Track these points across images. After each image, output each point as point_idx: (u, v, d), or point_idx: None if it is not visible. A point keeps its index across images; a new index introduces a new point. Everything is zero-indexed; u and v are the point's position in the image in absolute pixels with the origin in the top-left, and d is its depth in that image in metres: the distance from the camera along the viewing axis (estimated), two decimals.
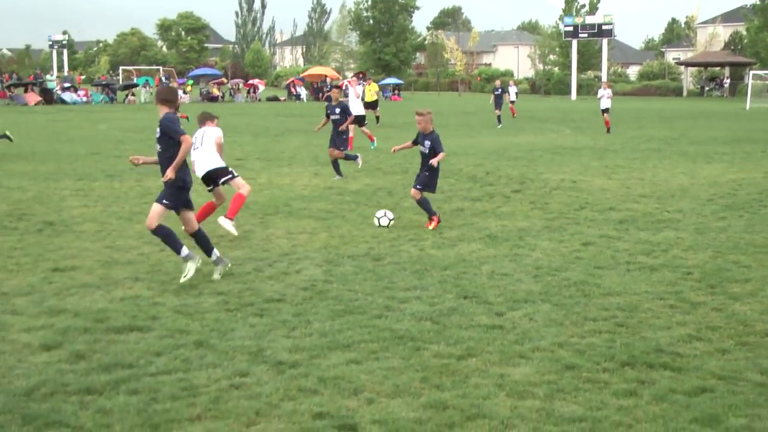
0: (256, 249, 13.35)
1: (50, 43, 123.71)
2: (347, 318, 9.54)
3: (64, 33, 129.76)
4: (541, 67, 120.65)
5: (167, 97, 11.58)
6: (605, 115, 41.38)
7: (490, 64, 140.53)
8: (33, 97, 69.15)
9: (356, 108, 30.99)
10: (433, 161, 15.18)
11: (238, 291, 10.74)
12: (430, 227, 15.04)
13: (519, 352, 8.41)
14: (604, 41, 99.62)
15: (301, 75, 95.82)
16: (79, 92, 76.19)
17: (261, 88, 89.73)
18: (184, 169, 11.23)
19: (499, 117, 45.88)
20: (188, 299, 10.34)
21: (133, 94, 76.35)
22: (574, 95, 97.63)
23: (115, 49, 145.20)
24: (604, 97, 42.09)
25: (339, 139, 22.01)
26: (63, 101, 71.46)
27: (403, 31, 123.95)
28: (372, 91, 46.42)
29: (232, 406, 7.00)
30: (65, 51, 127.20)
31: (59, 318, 9.52)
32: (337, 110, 22.40)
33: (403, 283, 11.21)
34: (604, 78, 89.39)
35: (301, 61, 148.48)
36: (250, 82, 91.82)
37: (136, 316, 9.61)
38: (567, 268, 12.13)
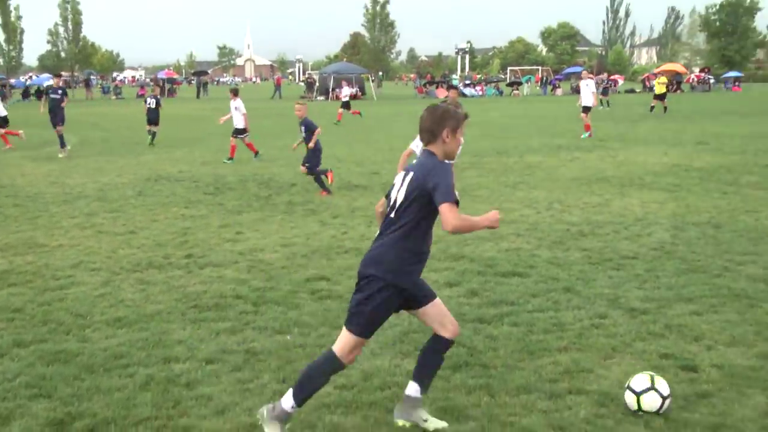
0: (615, 215, 13.00)
1: (456, 50, 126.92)
2: (690, 275, 9.08)
3: (468, 42, 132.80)
4: None
5: None
6: None
7: None
8: (442, 92, 71.26)
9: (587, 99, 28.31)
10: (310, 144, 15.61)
11: (600, 248, 10.52)
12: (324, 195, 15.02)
13: None
14: None
15: (655, 71, 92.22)
16: (476, 87, 77.69)
17: (620, 82, 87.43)
18: None
19: None
20: (559, 253, 10.26)
21: (517, 89, 76.77)
22: None
23: (506, 53, 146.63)
24: None
25: None
26: (464, 95, 73.14)
27: (745, 30, 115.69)
28: (660, 82, 43.76)
29: (592, 341, 6.89)
30: (467, 56, 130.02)
31: (459, 263, 9.78)
32: None
33: (740, 248, 10.48)
34: None
35: (654, 59, 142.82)
36: (612, 77, 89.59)
37: (518, 264, 9.68)
38: None
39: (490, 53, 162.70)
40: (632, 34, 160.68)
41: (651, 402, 5.38)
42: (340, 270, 9.51)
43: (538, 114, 42.24)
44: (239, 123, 21.67)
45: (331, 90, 65.26)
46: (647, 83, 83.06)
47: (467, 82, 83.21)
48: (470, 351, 6.66)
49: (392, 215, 5.04)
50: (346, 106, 39.87)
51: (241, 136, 21.69)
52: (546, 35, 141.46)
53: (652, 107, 41.74)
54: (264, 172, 18.84)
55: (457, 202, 4.77)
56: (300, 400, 5.06)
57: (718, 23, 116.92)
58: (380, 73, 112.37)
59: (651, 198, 14.57)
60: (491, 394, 5.79)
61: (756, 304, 7.97)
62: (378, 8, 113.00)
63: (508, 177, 17.59)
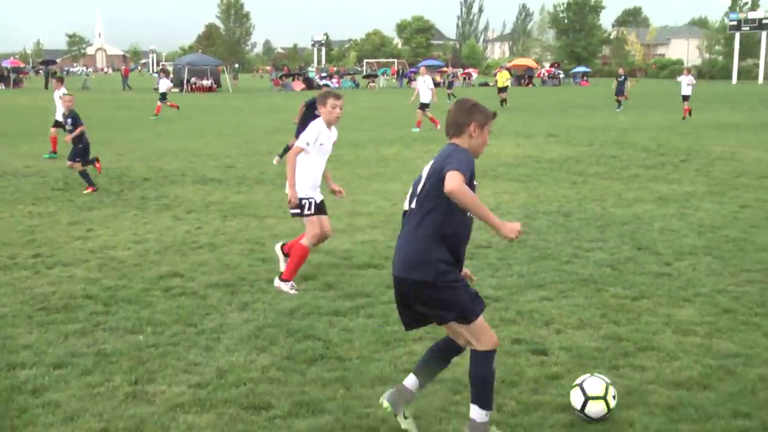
0: None
1: (312, 42, 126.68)
2: (541, 263, 9.37)
3: (324, 34, 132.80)
4: (707, 56, 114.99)
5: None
6: (686, 102, 34.03)
7: (663, 55, 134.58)
8: (298, 85, 71.07)
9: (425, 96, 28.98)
10: (67, 138, 15.33)
11: None
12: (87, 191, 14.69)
13: (683, 297, 8.04)
14: (764, 33, 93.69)
15: (507, 65, 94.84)
16: (332, 79, 77.81)
17: (474, 75, 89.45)
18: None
19: (618, 102, 39.66)
20: None
21: (373, 82, 77.32)
22: (734, 80, 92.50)
23: (362, 45, 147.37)
24: (685, 84, 34.77)
25: None
26: (320, 87, 73.03)
27: (591, 28, 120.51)
28: (503, 78, 44.84)
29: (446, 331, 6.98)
30: (323, 48, 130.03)
31: (315, 256, 9.73)
32: None
33: (588, 235, 10.91)
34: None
35: (507, 54, 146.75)
36: (467, 70, 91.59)
37: (373, 256, 9.74)
38: (726, 227, 11.50)
39: (347, 45, 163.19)
40: (485, 29, 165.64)
41: (596, 410, 5.25)
42: (194, 266, 9.33)
43: (394, 106, 42.68)
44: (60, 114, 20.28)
45: (185, 81, 64.06)
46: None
47: (323, 74, 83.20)
48: (326, 344, 6.65)
49: (413, 205, 4.90)
50: (163, 98, 36.98)
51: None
52: (401, 28, 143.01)
53: (502, 101, 42.72)
54: (116, 166, 18.28)
55: (469, 179, 4.62)
56: (490, 403, 5.00)
57: (566, 20, 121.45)
58: (236, 65, 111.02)
59: (504, 188, 14.96)
60: (347, 387, 5.79)
61: (602, 288, 8.30)
62: None
63: (364, 169, 17.70)
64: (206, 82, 66.15)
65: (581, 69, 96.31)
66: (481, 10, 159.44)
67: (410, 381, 5.19)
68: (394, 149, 21.63)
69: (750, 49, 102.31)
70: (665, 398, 5.59)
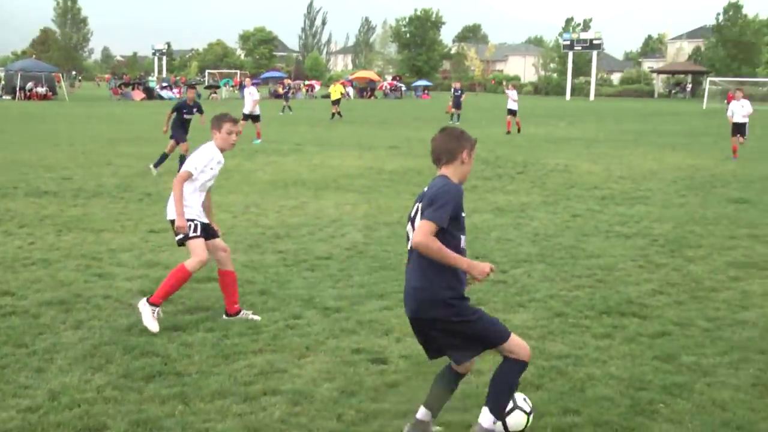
0: (310, 217, 13.32)
1: (153, 51, 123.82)
2: (382, 273, 9.51)
3: (166, 43, 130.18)
4: (542, 73, 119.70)
5: None
6: (511, 116, 34.12)
7: (502, 71, 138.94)
8: (138, 94, 69.38)
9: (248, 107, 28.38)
10: None
11: (295, 250, 10.72)
12: None
13: (519, 302, 8.35)
14: (594, 53, 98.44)
15: (350, 77, 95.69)
16: (173, 90, 76.35)
17: (317, 87, 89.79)
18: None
19: (452, 115, 39.79)
20: (254, 256, 10.33)
21: (215, 92, 76.33)
22: (568, 96, 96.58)
23: (204, 56, 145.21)
24: (510, 99, 34.42)
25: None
26: (161, 97, 71.68)
27: (432, 43, 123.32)
28: (337, 90, 45.48)
29: (287, 342, 6.99)
30: (165, 57, 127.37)
31: (154, 270, 9.55)
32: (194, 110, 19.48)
33: None
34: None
35: (350, 66, 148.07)
36: (309, 82, 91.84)
37: (213, 269, 9.55)
38: (559, 235, 12.02)
39: (188, 55, 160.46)
40: (329, 41, 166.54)
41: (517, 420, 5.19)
42: (26, 283, 8.93)
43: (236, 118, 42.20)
44: None
45: (18, 88, 61.31)
46: (343, 89, 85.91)
47: (164, 84, 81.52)
48: (164, 360, 6.52)
49: (409, 247, 4.94)
50: None
51: None
52: (244, 39, 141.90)
53: (333, 114, 42.64)
54: None
55: (442, 228, 4.68)
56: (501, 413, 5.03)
57: (408, 35, 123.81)
58: (73, 73, 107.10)
59: (345, 200, 15.09)
60: (186, 402, 5.70)
61: None
62: (69, 3, 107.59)
63: None
64: (41, 90, 63.53)
65: (423, 82, 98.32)
66: (324, 23, 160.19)
67: (421, 412, 5.18)
68: (235, 161, 21.41)
69: (582, 67, 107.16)
70: None
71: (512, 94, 34.77)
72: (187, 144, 18.86)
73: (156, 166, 18.75)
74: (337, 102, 44.27)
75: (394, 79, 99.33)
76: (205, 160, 7.49)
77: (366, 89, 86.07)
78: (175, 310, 7.94)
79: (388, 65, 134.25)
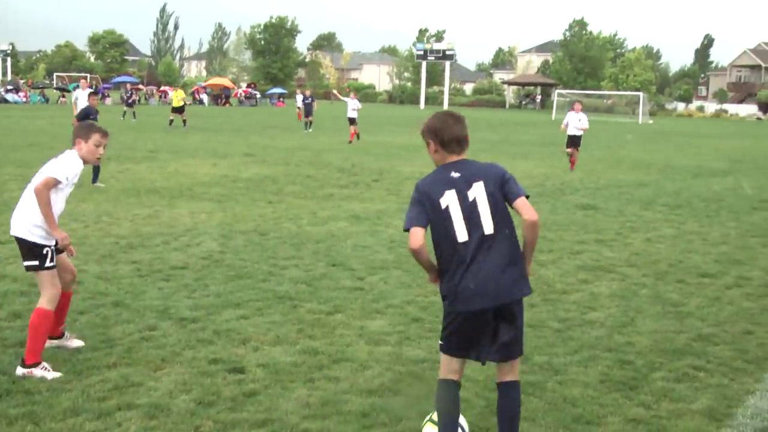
0: (164, 225, 13.06)
1: None
2: (238, 282, 9.43)
3: (10, 44, 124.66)
4: (397, 82, 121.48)
5: None
6: (352, 126, 33.77)
7: (357, 79, 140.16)
8: None
9: None
10: None
11: (149, 260, 10.49)
12: None
13: (376, 309, 8.46)
14: (447, 63, 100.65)
15: (204, 84, 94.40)
16: (20, 93, 73.30)
17: (171, 93, 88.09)
18: None
19: (306, 123, 39.62)
20: (107, 267, 10.04)
21: (64, 96, 73.72)
22: (422, 105, 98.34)
23: (52, 58, 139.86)
24: (350, 108, 34.03)
25: None
26: (6, 101, 68.69)
27: (287, 50, 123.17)
28: (178, 97, 43.35)
29: (142, 354, 6.84)
30: (9, 59, 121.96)
31: (0, 283, 9.16)
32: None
33: (283, 253, 11.13)
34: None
35: (204, 73, 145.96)
36: (162, 88, 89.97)
37: None
38: None
39: (35, 57, 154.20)
40: (182, 46, 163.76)
41: None
42: None
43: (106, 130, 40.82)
44: None
45: None
46: (197, 96, 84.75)
47: (9, 87, 78.07)
48: (11, 378, 6.25)
49: (487, 233, 4.67)
50: None
51: None
52: (94, 42, 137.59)
53: (171, 120, 40.86)
54: None
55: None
56: None
57: (262, 42, 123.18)
58: None
59: (200, 208, 14.87)
60: (36, 422, 5.48)
61: (299, 305, 8.51)
62: None
63: None
64: None
65: (278, 90, 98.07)
66: (176, 27, 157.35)
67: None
68: (86, 168, 20.75)
69: (435, 77, 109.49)
70: (359, 405, 5.86)
71: (352, 103, 34.22)
72: None
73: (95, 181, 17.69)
74: (179, 110, 41.80)
75: (249, 86, 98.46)
76: (75, 170, 6.62)
77: (220, 96, 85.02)
78: (23, 325, 7.60)
79: (243, 72, 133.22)
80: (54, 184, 6.43)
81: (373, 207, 15.65)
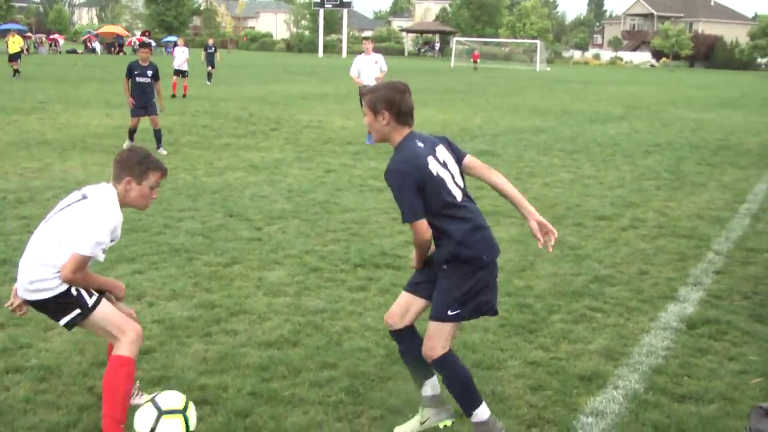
0: (56, 179, 12.57)
1: None
2: (132, 235, 9.12)
3: None
4: (295, 30, 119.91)
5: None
6: (184, 78, 30.28)
7: (254, 27, 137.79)
8: None
9: None
10: None
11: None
12: None
13: (274, 259, 8.32)
14: (345, 11, 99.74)
15: (96, 32, 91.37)
16: None
17: (61, 42, 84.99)
18: None
19: (208, 74, 36.08)
20: None
21: None
22: (321, 53, 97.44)
23: None
24: (176, 58, 30.81)
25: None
26: None
27: None
28: (16, 44, 39.14)
29: (31, 314, 6.53)
30: None
31: None
32: (149, 72, 16.23)
33: (179, 205, 10.85)
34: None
35: (96, 20, 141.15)
36: (52, 36, 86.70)
37: None
38: (313, 191, 12.09)
39: None
40: None
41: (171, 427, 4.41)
42: None
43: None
44: None
45: None
46: (89, 44, 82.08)
47: None
48: None
49: (465, 190, 4.62)
50: None
51: None
52: None
53: (16, 71, 37.88)
54: None
55: None
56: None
57: None
58: None
59: (93, 160, 14.38)
60: None
61: (195, 257, 8.30)
62: None
63: None
64: None
65: (172, 38, 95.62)
66: None
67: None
68: None
69: (333, 25, 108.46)
70: (257, 359, 5.74)
71: (181, 51, 31.00)
72: (156, 117, 16.05)
73: (159, 147, 15.89)
74: (15, 57, 38.34)
75: (143, 34, 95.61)
76: (113, 228, 4.60)
77: (114, 45, 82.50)
78: None
79: (137, 20, 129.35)
80: (86, 264, 4.54)
81: (270, 156, 15.40)
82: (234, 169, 13.79)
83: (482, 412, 4.59)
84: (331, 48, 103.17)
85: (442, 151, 4.55)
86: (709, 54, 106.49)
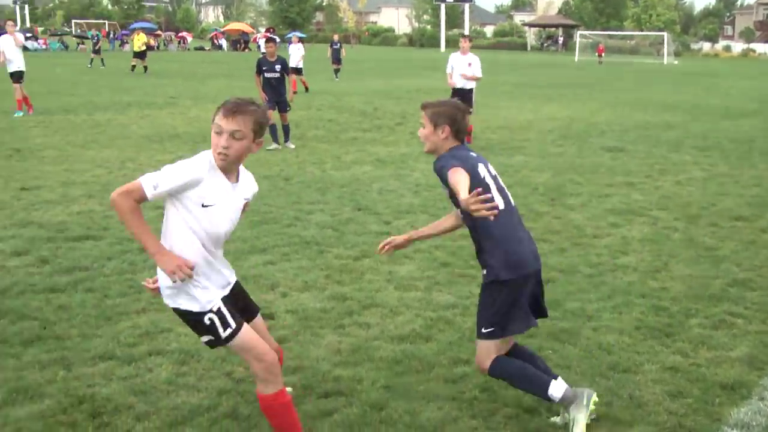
0: None
1: (14, 0, 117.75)
2: (263, 227, 9.35)
3: None
4: (416, 25, 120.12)
5: None
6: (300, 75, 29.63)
7: (375, 22, 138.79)
8: None
9: None
10: None
11: None
12: None
13: (404, 254, 8.30)
14: (467, 5, 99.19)
15: (222, 29, 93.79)
16: (39, 40, 73.03)
17: (189, 39, 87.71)
18: None
19: (336, 71, 36.27)
20: None
21: (83, 43, 73.42)
22: (443, 48, 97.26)
23: (69, 5, 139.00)
24: (292, 57, 29.64)
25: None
26: (26, 48, 68.50)
27: None
28: (140, 42, 40.07)
29: None
30: (27, 6, 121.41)
31: (27, 229, 9.12)
32: (277, 67, 16.54)
33: (308, 198, 11.04)
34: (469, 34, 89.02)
35: (221, 18, 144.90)
36: (181, 34, 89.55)
37: (91, 227, 9.26)
38: (439, 185, 11.96)
39: (51, 5, 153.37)
40: None
41: None
42: None
43: (107, 70, 40.74)
44: None
45: None
46: (215, 41, 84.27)
47: (29, 34, 77.76)
48: (42, 323, 6.23)
49: (511, 203, 4.82)
50: None
51: None
52: None
53: (133, 66, 39.53)
54: None
55: None
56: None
57: None
58: None
59: None
60: (67, 367, 5.46)
61: (325, 250, 8.43)
62: None
63: (77, 136, 16.78)
64: None
65: (297, 34, 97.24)
66: None
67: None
68: (107, 115, 20.68)
69: (455, 19, 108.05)
70: (390, 352, 5.78)
71: (296, 49, 30.61)
72: (276, 112, 15.99)
73: (287, 141, 16.13)
74: (141, 54, 39.34)
75: (267, 30, 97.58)
76: (183, 176, 4.06)
77: (239, 41, 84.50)
78: (52, 270, 7.59)
79: (261, 17, 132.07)
80: (135, 191, 4.07)
81: (397, 151, 15.49)
82: (361, 164, 13.93)
83: (557, 390, 4.58)
84: (453, 42, 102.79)
85: (489, 166, 4.78)
86: None
